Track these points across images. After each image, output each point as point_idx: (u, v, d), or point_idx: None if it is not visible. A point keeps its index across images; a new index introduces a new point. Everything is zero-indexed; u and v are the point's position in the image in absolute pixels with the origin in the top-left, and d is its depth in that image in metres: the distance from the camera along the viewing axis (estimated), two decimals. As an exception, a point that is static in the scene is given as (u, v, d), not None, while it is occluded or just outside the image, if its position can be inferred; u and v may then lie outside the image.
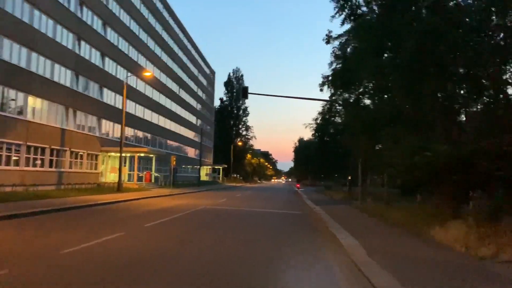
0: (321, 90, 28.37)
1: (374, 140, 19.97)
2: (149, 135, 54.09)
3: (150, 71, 43.50)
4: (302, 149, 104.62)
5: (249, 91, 23.77)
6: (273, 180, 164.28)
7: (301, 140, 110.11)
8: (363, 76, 14.49)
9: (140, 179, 40.90)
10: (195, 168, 79.38)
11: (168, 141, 62.48)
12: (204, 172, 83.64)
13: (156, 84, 53.17)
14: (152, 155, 43.22)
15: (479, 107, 13.04)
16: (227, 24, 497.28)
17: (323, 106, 42.62)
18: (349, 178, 52.21)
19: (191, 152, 78.56)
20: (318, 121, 48.40)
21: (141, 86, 48.59)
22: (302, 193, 44.41)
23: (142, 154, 41.13)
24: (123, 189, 31.80)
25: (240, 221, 14.30)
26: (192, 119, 75.04)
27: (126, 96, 32.33)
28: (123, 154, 39.21)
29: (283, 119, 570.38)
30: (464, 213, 10.93)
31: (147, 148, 40.55)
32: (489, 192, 9.56)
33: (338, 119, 44.93)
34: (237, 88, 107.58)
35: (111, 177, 39.13)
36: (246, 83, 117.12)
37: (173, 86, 62.60)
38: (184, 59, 69.42)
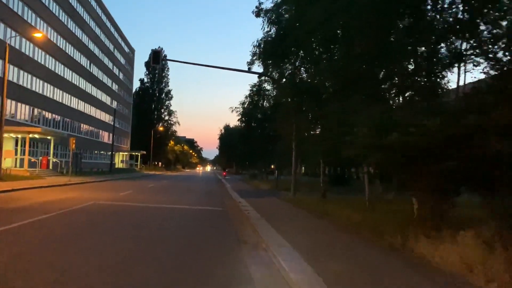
0: (250, 68, 24.69)
1: (315, 119, 16.61)
2: (57, 117, 46.66)
3: (43, 32, 36.29)
4: (228, 137, 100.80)
5: (165, 58, 19.03)
6: (197, 169, 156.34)
7: (226, 128, 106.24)
8: (309, 25, 10.74)
9: (33, 165, 34.16)
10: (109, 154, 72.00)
11: (83, 125, 55.08)
12: (120, 159, 76.43)
13: (60, 55, 45.58)
14: (49, 137, 36.41)
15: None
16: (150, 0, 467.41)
17: (250, 89, 38.97)
18: (272, 167, 49.58)
19: (106, 136, 71.05)
20: (245, 105, 44.93)
21: (40, 57, 41.03)
22: (226, 182, 40.58)
23: (36, 136, 34.30)
24: (6, 177, 25.61)
25: (131, 227, 9.87)
26: (107, 100, 67.48)
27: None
28: (12, 135, 32.29)
29: (209, 107, 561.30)
30: (453, 217, 7.63)
31: (40, 127, 33.79)
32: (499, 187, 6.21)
33: (266, 104, 41.74)
34: (159, 69, 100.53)
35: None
36: (170, 65, 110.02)
37: (83, 61, 54.95)
38: (98, 31, 61.62)
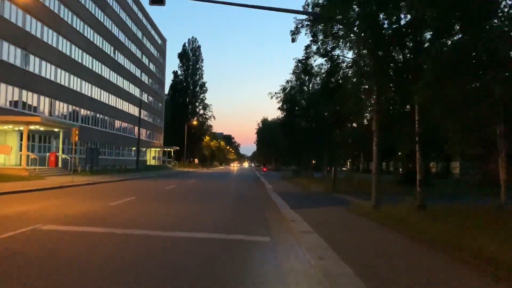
0: (294, 39, 17.79)
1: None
2: (75, 108, 41.73)
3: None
4: (266, 131, 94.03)
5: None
6: (232, 165, 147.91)
7: (264, 121, 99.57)
8: None
9: (40, 162, 28.78)
10: (143, 151, 67.09)
11: (108, 118, 50.16)
12: (151, 155, 71.47)
13: (77, 38, 40.26)
14: (56, 129, 30.94)
15: None
16: None
17: (295, 65, 31.82)
18: (313, 162, 41.94)
19: (142, 132, 66.20)
20: (287, 90, 37.89)
21: (51, 38, 35.78)
22: (265, 180, 33.71)
23: (38, 127, 28.88)
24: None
25: None
26: (136, 91, 62.31)
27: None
28: (8, 127, 26.94)
29: (247, 102, 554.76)
30: None
31: (39, 116, 28.19)
32: None
33: (315, 83, 34.46)
34: (193, 61, 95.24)
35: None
36: (204, 56, 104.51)
37: (106, 47, 49.71)
38: (123, 16, 56.36)
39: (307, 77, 31.77)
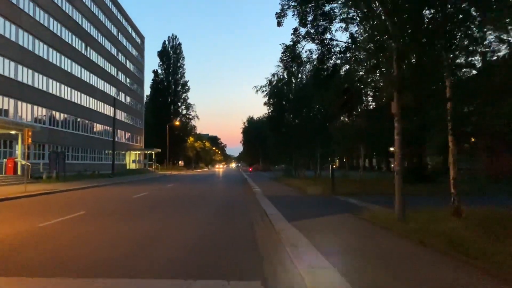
0: (280, 22, 14.76)
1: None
2: (59, 113, 38.04)
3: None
4: (252, 130, 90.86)
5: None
6: (217, 166, 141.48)
7: (250, 120, 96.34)
8: None
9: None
10: (122, 154, 63.28)
11: (80, 120, 46.35)
12: (131, 159, 67.57)
13: (41, 33, 36.31)
14: (13, 132, 27.14)
15: None
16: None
17: (282, 53, 28.63)
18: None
19: (121, 135, 62.54)
20: (274, 82, 34.72)
21: (10, 32, 31.89)
22: (253, 182, 30.45)
23: (-10, 130, 25.11)
24: None
25: None
26: (112, 91, 58.38)
27: None
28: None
29: (233, 102, 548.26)
30: None
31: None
32: None
33: (305, 72, 31.35)
34: (174, 59, 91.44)
35: None
36: (185, 55, 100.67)
37: (75, 42, 45.81)
38: (94, 9, 52.44)
39: (295, 67, 28.66)
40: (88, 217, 11.16)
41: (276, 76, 34.21)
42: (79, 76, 46.41)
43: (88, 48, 49.41)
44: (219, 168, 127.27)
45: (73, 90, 44.49)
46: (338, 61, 24.69)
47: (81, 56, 47.01)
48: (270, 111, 36.91)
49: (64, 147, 42.11)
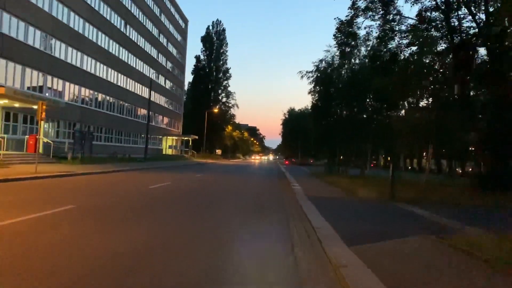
0: None
1: None
2: (92, 91, 36.64)
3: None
4: (293, 122, 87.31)
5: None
6: (253, 157, 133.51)
7: (291, 111, 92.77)
8: None
9: (11, 145, 23.22)
10: (159, 139, 61.76)
11: (116, 101, 44.78)
12: (168, 144, 65.94)
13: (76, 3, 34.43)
14: (35, 106, 25.20)
15: None
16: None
17: (336, 30, 24.86)
18: (342, 157, 34.13)
19: (159, 119, 61.10)
20: (322, 68, 31.01)
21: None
22: (291, 177, 27.07)
23: (5, 101, 23.19)
24: None
25: None
26: (151, 73, 56.55)
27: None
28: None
29: (274, 94, 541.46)
30: None
31: (3, 87, 22.33)
32: None
33: (361, 52, 27.43)
34: (217, 45, 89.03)
35: None
36: (228, 40, 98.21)
37: (114, 18, 43.90)
38: (137, -13, 50.47)
39: (349, 48, 24.86)
40: (71, 215, 8.25)
41: (324, 62, 30.54)
42: (116, 54, 44.60)
43: (128, 26, 47.52)
44: (255, 159, 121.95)
45: (109, 69, 42.72)
46: (404, 41, 20.64)
47: (119, 34, 45.17)
48: (315, 99, 33.21)
49: (97, 127, 40.48)
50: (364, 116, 27.47)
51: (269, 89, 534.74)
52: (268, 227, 8.38)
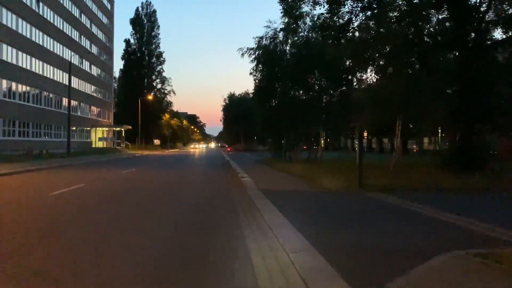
0: None
1: None
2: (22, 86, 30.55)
3: None
4: (233, 107, 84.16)
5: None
6: (192, 146, 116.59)
7: (231, 97, 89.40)
8: None
9: None
10: (87, 131, 55.96)
11: (44, 92, 38.75)
12: (98, 136, 60.14)
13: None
14: None
15: None
16: None
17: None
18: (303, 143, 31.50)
19: (85, 109, 55.15)
20: (265, 42, 28.15)
21: None
22: (238, 166, 24.08)
23: None
24: None
25: None
26: (74, 58, 50.38)
27: None
28: None
29: (213, 79, 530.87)
30: None
31: None
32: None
33: (307, 23, 24.89)
34: (148, 28, 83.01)
35: None
36: (161, 24, 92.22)
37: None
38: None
39: (297, 12, 22.09)
40: None
41: (265, 38, 27.57)
42: (27, 35, 38.51)
43: (40, 3, 41.28)
44: (195, 148, 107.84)
45: (19, 52, 36.71)
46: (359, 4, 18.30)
47: (30, 11, 39.01)
48: (257, 80, 30.18)
49: (7, 120, 34.71)
50: (314, 94, 24.96)
51: (208, 75, 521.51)
52: (212, 255, 5.23)
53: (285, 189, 12.51)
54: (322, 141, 30.69)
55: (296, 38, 25.41)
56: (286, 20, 23.62)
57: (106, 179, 16.17)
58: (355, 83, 22.83)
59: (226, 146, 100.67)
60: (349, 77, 23.54)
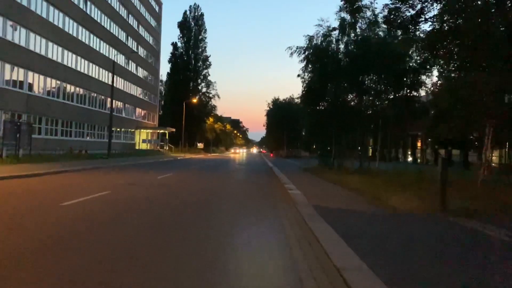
0: None
1: None
2: (43, 77, 30.41)
3: None
4: (277, 112, 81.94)
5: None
6: (232, 151, 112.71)
7: (275, 102, 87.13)
8: None
9: None
10: (131, 132, 55.90)
11: (74, 88, 38.64)
12: (141, 138, 59.96)
13: None
14: None
15: None
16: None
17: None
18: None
19: (131, 111, 55.14)
20: (317, 40, 25.78)
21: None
22: (282, 174, 21.76)
23: None
24: None
25: None
26: (121, 59, 50.38)
27: None
28: None
29: (258, 84, 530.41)
30: None
31: None
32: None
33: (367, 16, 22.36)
34: (195, 32, 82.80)
35: None
36: (208, 27, 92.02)
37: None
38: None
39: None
40: None
41: (318, 36, 25.15)
42: (73, 34, 38.37)
43: (88, 2, 41.22)
44: (235, 153, 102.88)
45: (65, 50, 36.55)
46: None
47: (77, 10, 38.92)
48: (307, 81, 27.66)
49: (50, 119, 34.46)
50: (370, 98, 22.27)
51: (253, 80, 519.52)
52: None
53: (345, 208, 10.07)
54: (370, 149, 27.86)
55: (353, 35, 22.80)
56: (343, 15, 21.14)
57: (137, 185, 14.40)
58: (422, 86, 19.96)
59: (262, 151, 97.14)
60: (413, 77, 20.68)
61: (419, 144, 62.48)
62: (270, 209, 10.13)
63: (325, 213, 8.70)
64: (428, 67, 14.98)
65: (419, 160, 60.82)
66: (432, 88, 18.25)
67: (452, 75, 13.69)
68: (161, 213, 8.79)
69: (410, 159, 63.01)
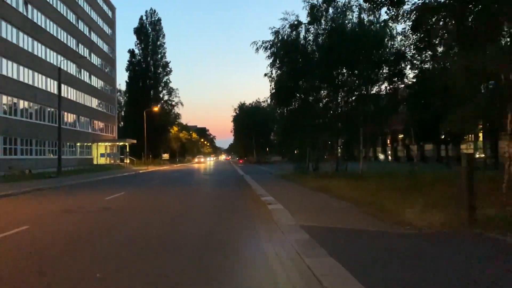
0: None
1: None
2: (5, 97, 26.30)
3: None
4: (244, 117, 79.49)
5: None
6: (196, 160, 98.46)
7: (242, 107, 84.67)
8: None
9: None
10: (87, 146, 51.77)
11: (43, 107, 34.67)
12: (99, 152, 55.76)
13: None
14: None
15: None
16: None
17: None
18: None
19: (88, 123, 51.04)
20: (283, 33, 23.54)
21: None
22: (256, 183, 19.17)
23: None
24: None
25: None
26: (71, 68, 46.37)
27: None
28: None
29: (223, 92, 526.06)
30: None
31: None
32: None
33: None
34: (153, 37, 79.11)
35: None
36: (166, 32, 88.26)
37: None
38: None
39: None
40: None
41: (281, 32, 22.84)
42: (13, 41, 34.42)
43: (30, 6, 37.27)
44: (199, 162, 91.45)
45: (6, 61, 32.57)
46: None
47: (17, 15, 34.99)
48: (275, 79, 25.28)
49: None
50: (349, 92, 20.08)
51: (217, 86, 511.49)
52: None
53: (345, 228, 7.55)
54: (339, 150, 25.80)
55: (324, 23, 20.55)
56: (313, 0, 18.88)
57: (74, 211, 11.34)
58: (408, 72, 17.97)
59: (226, 158, 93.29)
60: (394, 67, 18.68)
61: (388, 141, 61.68)
62: (249, 238, 7.46)
63: (325, 238, 6.19)
64: (418, 46, 12.98)
65: (390, 158, 59.93)
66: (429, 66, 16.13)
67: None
68: (86, 258, 5.94)
69: (381, 157, 62.06)
